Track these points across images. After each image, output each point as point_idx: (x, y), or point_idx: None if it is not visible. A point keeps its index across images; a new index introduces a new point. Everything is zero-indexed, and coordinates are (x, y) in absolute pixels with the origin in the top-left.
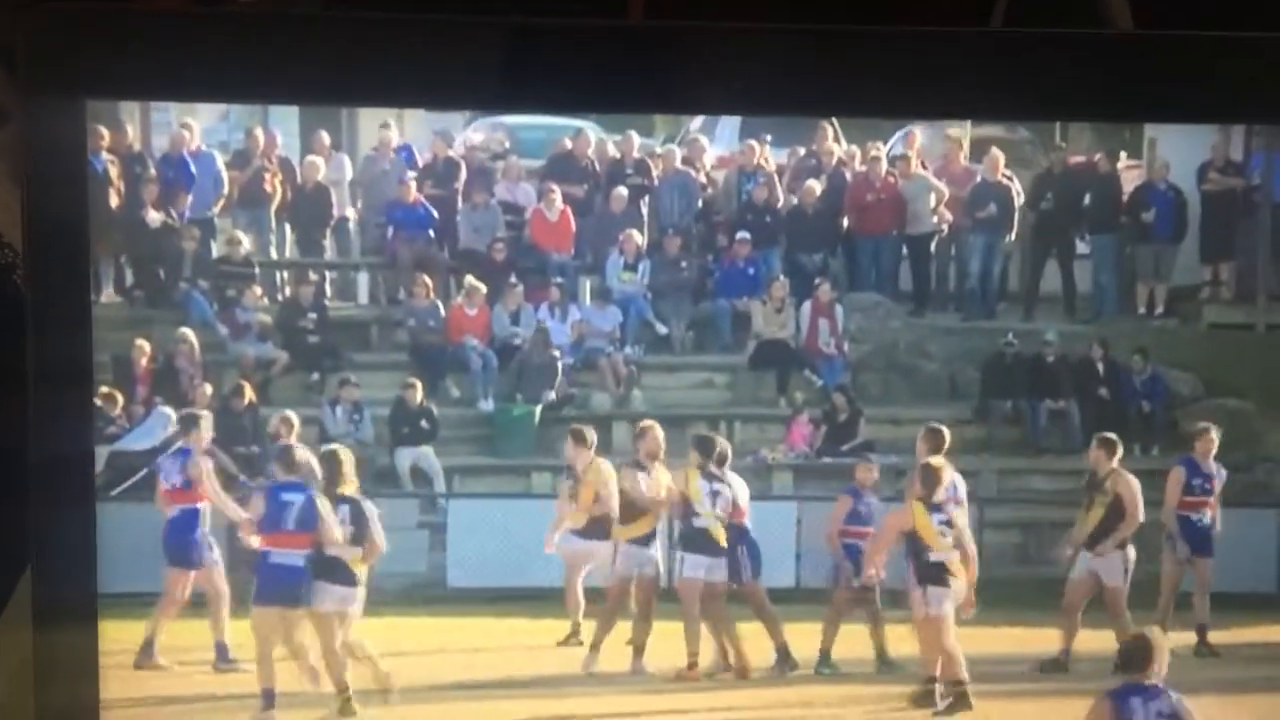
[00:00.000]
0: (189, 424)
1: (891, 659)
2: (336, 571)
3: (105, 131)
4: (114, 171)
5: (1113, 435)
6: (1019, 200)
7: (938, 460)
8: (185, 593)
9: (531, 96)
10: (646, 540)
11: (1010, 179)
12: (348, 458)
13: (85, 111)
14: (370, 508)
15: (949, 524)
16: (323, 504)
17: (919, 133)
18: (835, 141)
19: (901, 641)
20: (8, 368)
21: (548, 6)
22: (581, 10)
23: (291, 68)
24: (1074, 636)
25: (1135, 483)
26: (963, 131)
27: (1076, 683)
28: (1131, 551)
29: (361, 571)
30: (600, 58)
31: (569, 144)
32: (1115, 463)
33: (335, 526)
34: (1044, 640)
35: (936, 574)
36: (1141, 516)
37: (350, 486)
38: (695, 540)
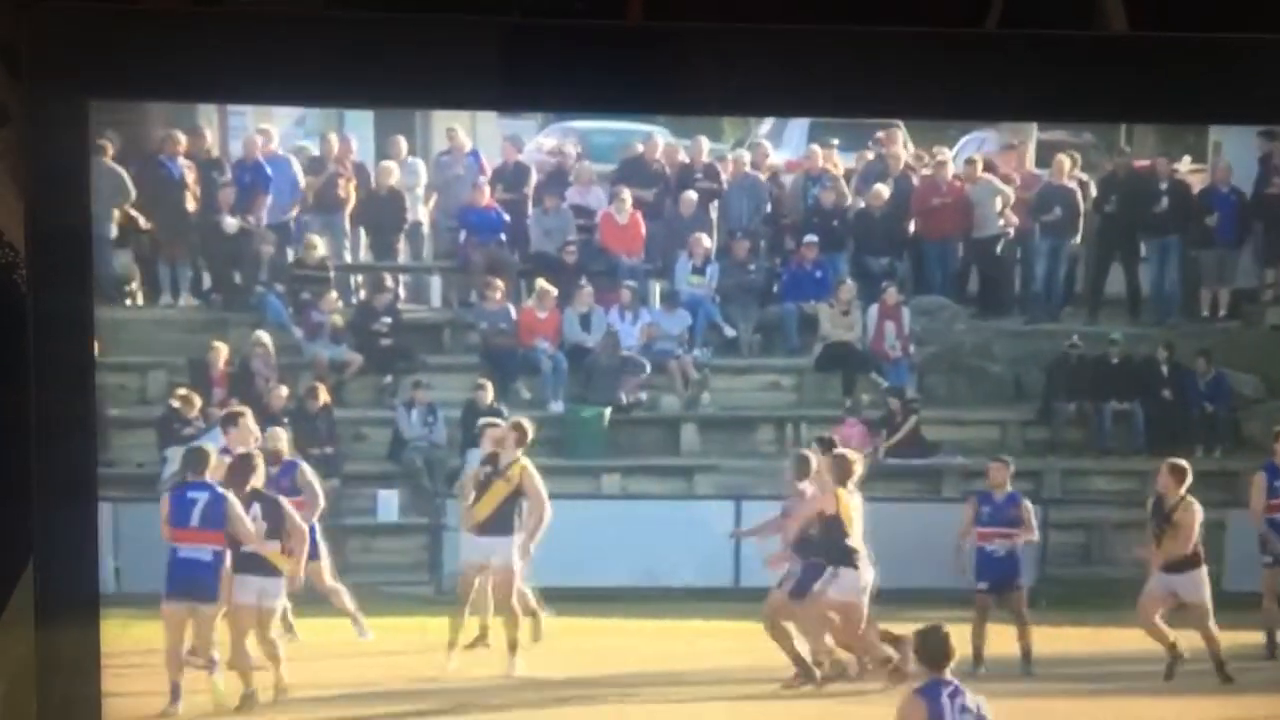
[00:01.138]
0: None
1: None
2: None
3: (182, 136)
4: (190, 176)
5: (1183, 462)
6: (1084, 204)
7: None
8: None
9: (530, 97)
10: None
11: (1076, 183)
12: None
13: (88, 111)
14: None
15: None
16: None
17: (988, 137)
18: (903, 146)
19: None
20: (9, 366)
21: (546, 6)
22: (580, 10)
23: (294, 67)
24: (1169, 642)
25: (1199, 512)
26: (1028, 135)
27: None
28: (1205, 568)
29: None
30: (598, 58)
31: (639, 148)
32: (1184, 490)
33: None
34: (1106, 640)
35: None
36: (1196, 541)
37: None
38: None
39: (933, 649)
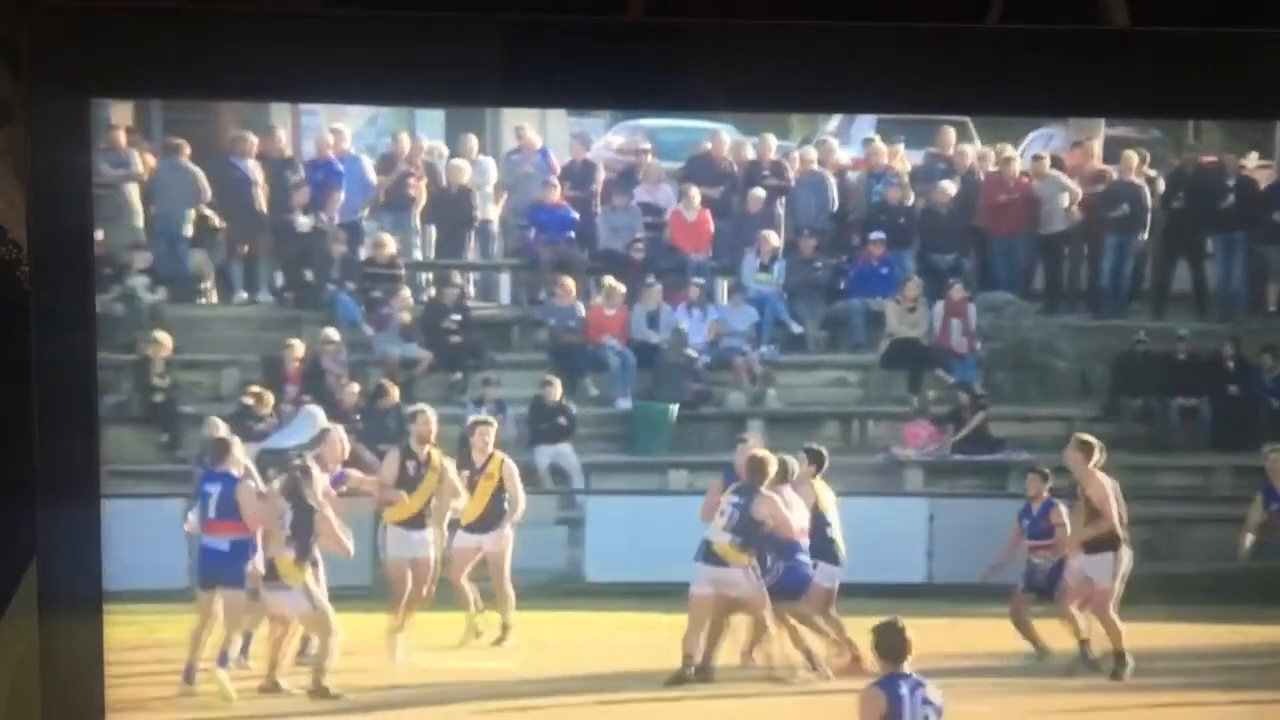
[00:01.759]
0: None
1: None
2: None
3: (254, 137)
4: (263, 175)
5: (1088, 437)
6: (1151, 200)
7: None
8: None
9: (532, 93)
10: None
11: (1143, 179)
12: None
13: (89, 109)
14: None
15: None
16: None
17: (1055, 133)
18: (969, 142)
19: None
20: (12, 362)
21: (547, 4)
22: (581, 7)
23: (293, 65)
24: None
25: (1108, 485)
26: (1095, 131)
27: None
28: (1125, 552)
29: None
30: (599, 55)
31: (707, 146)
32: (1091, 465)
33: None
34: (1170, 636)
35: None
36: (1114, 517)
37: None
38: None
39: (889, 644)
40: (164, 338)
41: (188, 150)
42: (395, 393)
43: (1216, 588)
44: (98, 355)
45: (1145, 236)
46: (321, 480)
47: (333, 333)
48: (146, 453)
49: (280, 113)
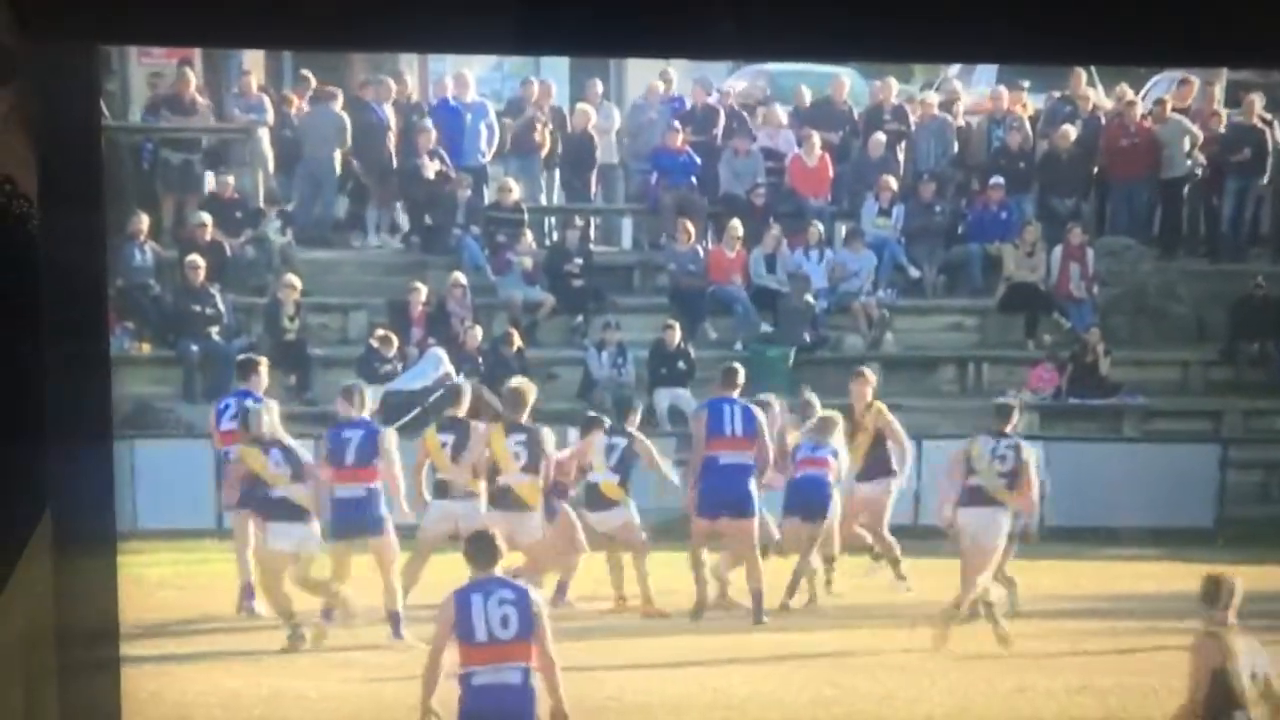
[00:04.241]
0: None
1: None
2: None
3: (392, 83)
4: (394, 121)
5: (866, 370)
6: (1272, 143)
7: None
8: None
9: (545, 40)
10: None
11: (1266, 123)
12: None
13: (96, 56)
14: None
15: None
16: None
17: (1177, 77)
18: (1090, 86)
19: None
20: (25, 314)
21: None
22: None
23: (297, 12)
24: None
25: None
26: (1217, 75)
27: None
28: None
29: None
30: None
31: (827, 91)
32: (871, 396)
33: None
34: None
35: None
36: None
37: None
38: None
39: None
40: (294, 280)
41: (340, 98)
42: (519, 340)
43: None
44: (107, 310)
45: (1265, 181)
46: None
47: (460, 276)
48: (275, 394)
49: (409, 59)
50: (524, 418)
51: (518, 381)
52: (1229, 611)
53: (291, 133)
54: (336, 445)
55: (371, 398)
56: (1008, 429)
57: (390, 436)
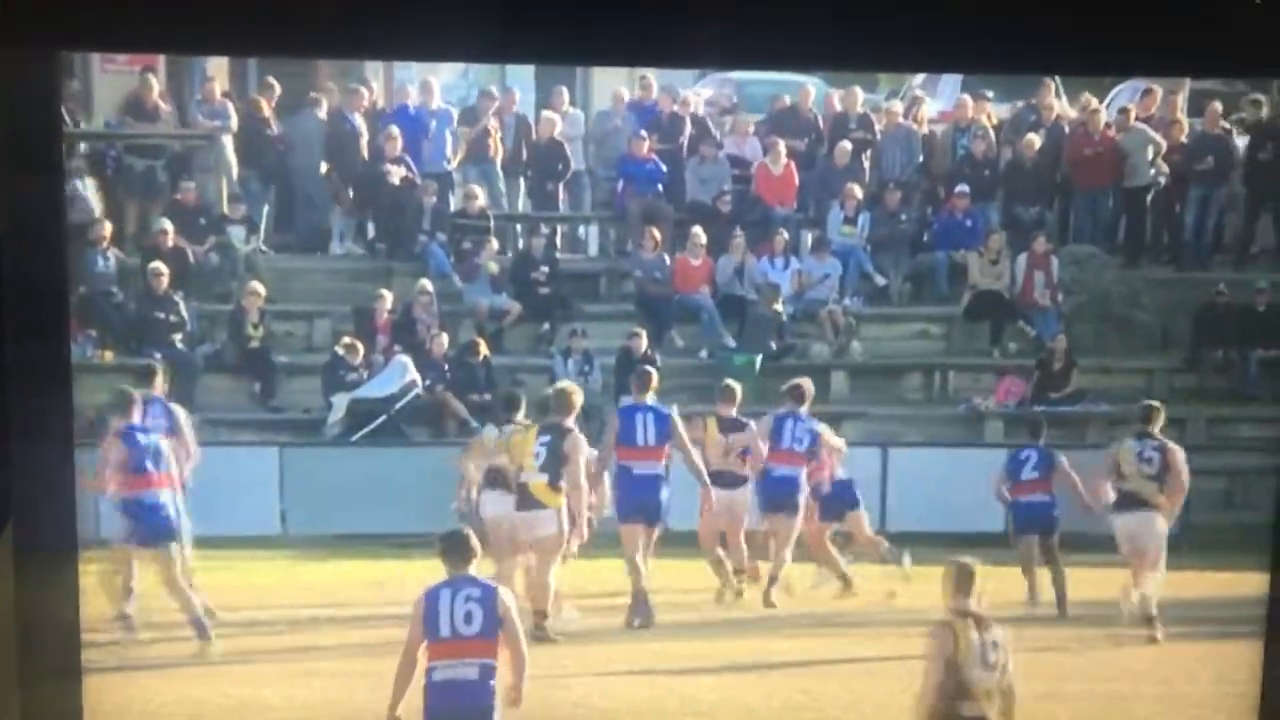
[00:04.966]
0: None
1: None
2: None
3: (364, 90)
4: (362, 127)
5: (733, 383)
6: (1235, 152)
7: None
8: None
9: (514, 48)
10: None
11: (1228, 132)
12: None
13: (58, 62)
14: None
15: None
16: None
17: (1151, 87)
18: (1056, 96)
19: None
20: None
21: None
22: None
23: (264, 19)
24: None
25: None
26: (1180, 84)
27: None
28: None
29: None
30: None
31: (786, 100)
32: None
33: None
34: (1245, 585)
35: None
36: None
37: None
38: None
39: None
40: (258, 288)
41: (325, 105)
42: (484, 349)
43: None
44: (68, 317)
45: (1228, 189)
46: None
47: (426, 283)
48: (239, 401)
49: (374, 67)
50: (569, 420)
51: (565, 384)
52: (972, 599)
53: (260, 139)
54: None
55: (338, 405)
56: (1154, 430)
57: None
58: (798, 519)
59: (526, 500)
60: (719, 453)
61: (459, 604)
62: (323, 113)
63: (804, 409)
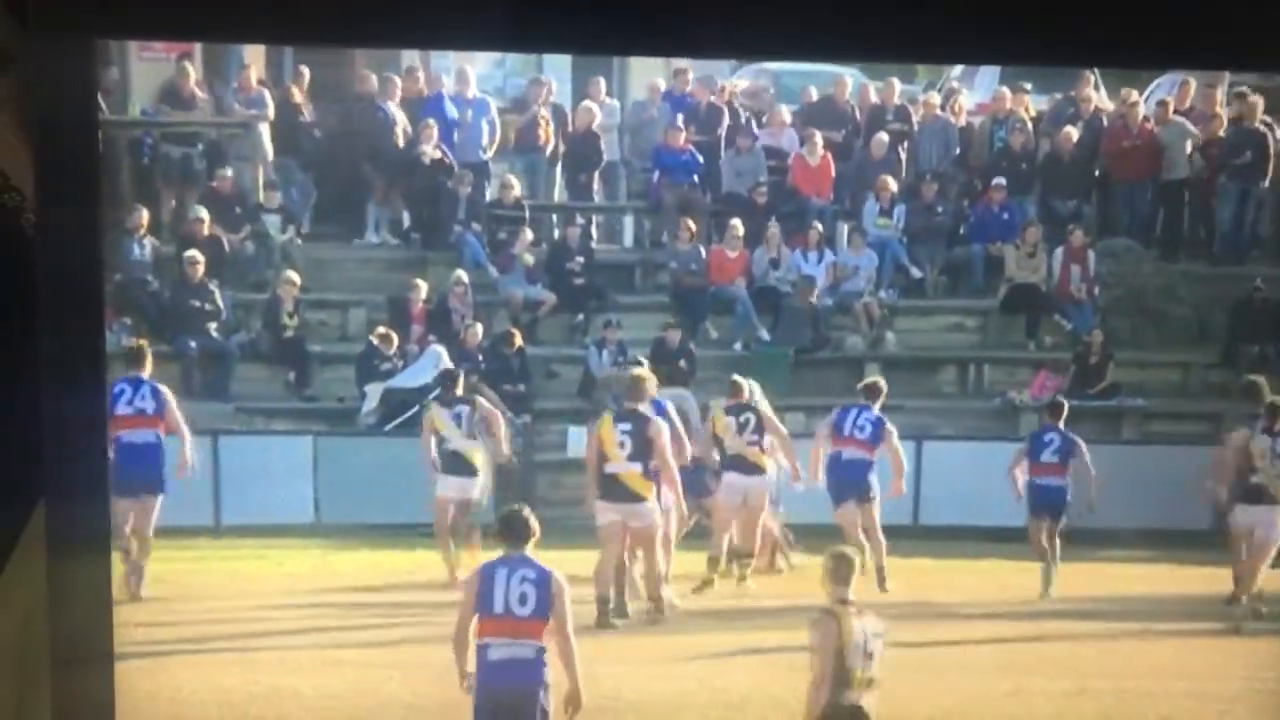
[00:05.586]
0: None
1: None
2: None
3: (397, 79)
4: (398, 116)
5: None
6: (1274, 147)
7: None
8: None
9: (546, 37)
10: None
11: (1269, 126)
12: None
13: (94, 50)
14: None
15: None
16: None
17: (1187, 80)
18: (1094, 89)
19: None
20: (19, 308)
21: None
22: None
23: (295, 7)
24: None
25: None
26: (1219, 78)
27: None
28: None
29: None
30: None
31: (829, 90)
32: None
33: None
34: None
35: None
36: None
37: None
38: None
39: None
40: (294, 277)
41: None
42: (519, 339)
43: None
44: (104, 304)
45: (1267, 184)
46: None
47: (461, 274)
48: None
49: (410, 55)
50: (642, 406)
51: (640, 370)
52: (850, 588)
53: (297, 127)
54: None
55: (371, 395)
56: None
57: None
58: (874, 505)
59: (618, 492)
60: (732, 433)
61: (514, 584)
62: (360, 101)
63: (876, 405)
